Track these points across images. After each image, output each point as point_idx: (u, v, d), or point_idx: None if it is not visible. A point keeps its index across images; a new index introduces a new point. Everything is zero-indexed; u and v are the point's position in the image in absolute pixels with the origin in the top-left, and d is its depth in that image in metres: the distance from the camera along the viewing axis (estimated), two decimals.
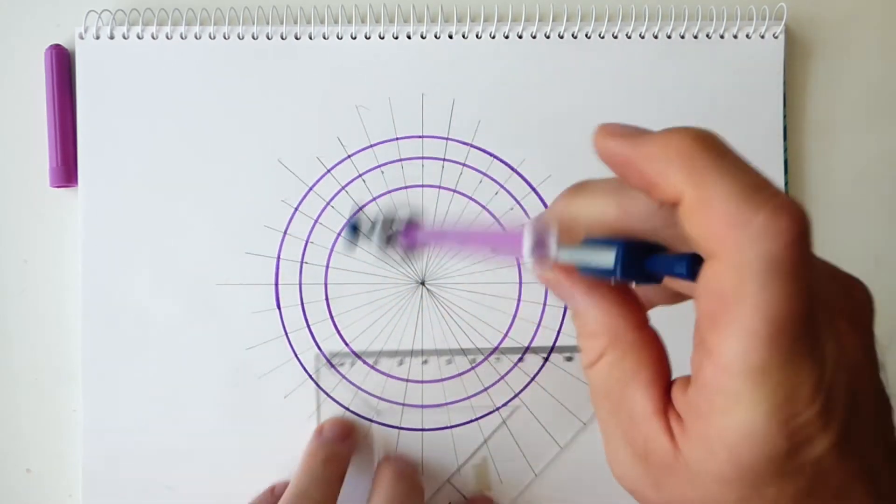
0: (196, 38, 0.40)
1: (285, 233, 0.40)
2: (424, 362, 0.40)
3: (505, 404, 0.40)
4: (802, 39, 0.43)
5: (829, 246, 0.42)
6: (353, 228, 0.30)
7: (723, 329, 0.21)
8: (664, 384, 0.24)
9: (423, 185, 0.41)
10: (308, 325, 0.40)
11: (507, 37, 0.41)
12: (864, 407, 0.23)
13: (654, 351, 0.25)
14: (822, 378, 0.21)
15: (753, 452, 0.21)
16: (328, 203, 0.40)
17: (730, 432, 0.21)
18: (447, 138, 0.41)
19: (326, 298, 0.40)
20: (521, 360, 0.40)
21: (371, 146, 0.40)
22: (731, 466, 0.22)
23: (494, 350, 0.40)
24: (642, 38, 0.42)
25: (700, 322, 0.22)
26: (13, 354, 0.40)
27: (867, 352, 0.23)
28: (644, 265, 0.23)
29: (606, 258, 0.23)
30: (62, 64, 0.40)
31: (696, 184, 0.22)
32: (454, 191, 0.41)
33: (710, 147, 0.24)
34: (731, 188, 0.22)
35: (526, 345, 0.40)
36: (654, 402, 0.24)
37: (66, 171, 0.39)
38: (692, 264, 0.21)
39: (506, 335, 0.40)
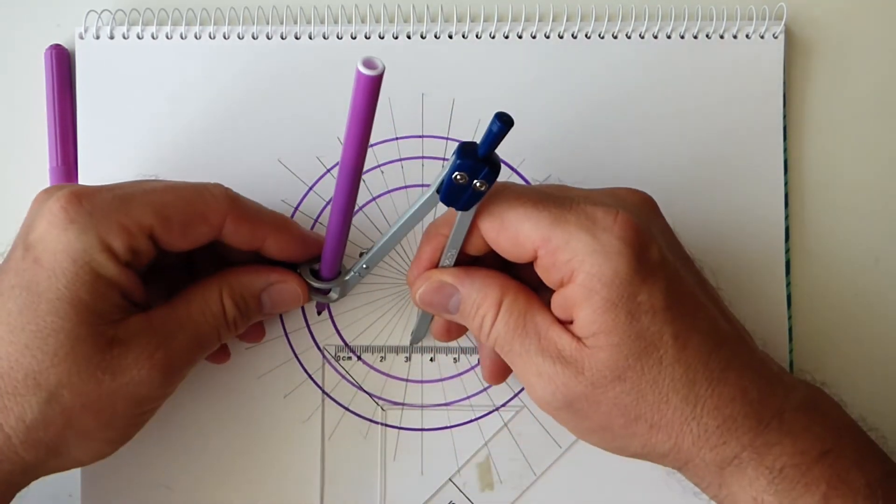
0: (196, 38, 0.40)
1: None
2: (431, 359, 0.40)
3: (505, 404, 0.40)
4: (802, 39, 0.43)
5: (830, 246, 0.42)
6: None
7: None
8: (547, 308, 0.32)
9: (422, 186, 0.41)
10: (308, 325, 0.40)
11: (506, 37, 0.41)
12: (670, 240, 0.33)
13: (530, 288, 0.33)
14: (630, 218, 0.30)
15: (613, 267, 0.29)
16: (328, 203, 0.40)
17: (592, 272, 0.30)
18: (447, 138, 0.41)
19: None
20: None
21: (371, 146, 0.40)
22: (607, 290, 0.29)
23: None
24: (642, 38, 0.42)
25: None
26: None
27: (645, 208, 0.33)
28: (477, 153, 0.29)
29: (445, 171, 0.29)
30: (62, 64, 0.40)
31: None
32: None
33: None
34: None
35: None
36: (550, 316, 0.32)
37: (66, 171, 0.39)
38: (501, 116, 0.27)
39: None
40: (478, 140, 0.29)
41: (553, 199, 0.31)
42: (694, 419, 0.30)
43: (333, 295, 0.37)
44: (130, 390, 0.31)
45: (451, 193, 0.30)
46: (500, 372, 0.37)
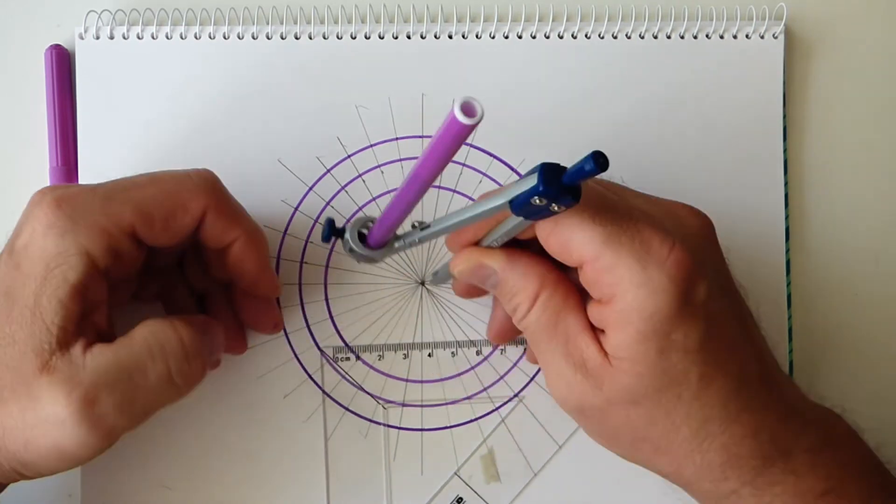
0: (196, 38, 0.40)
1: (285, 233, 0.40)
2: (429, 355, 0.40)
3: (504, 404, 0.40)
4: (802, 39, 0.43)
5: (830, 246, 0.42)
6: (330, 224, 0.34)
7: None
8: (583, 309, 0.31)
9: None
10: (308, 325, 0.40)
11: (507, 37, 0.41)
12: (721, 270, 0.32)
13: (572, 283, 0.31)
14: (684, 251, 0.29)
15: (655, 304, 0.28)
16: (328, 203, 0.40)
17: (634, 305, 0.29)
18: None
19: (326, 298, 0.40)
20: (520, 359, 0.40)
21: (371, 146, 0.40)
22: (644, 324, 0.29)
23: (494, 350, 0.40)
24: (642, 38, 0.42)
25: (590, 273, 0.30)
26: None
27: (706, 235, 0.32)
28: (562, 181, 0.26)
29: (531, 182, 0.26)
30: (62, 64, 0.40)
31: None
32: (454, 191, 0.41)
33: None
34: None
35: (526, 344, 0.40)
36: (583, 321, 0.31)
37: (66, 171, 0.39)
38: (597, 157, 0.25)
39: None
40: (561, 161, 0.27)
41: (612, 213, 0.29)
42: (699, 453, 0.30)
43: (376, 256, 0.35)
44: (49, 430, 0.28)
45: (524, 209, 0.28)
46: (504, 337, 0.37)
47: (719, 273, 0.32)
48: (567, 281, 0.32)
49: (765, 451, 0.30)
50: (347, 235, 0.34)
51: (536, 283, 0.31)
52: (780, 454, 0.31)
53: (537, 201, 0.27)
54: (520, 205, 0.27)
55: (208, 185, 0.33)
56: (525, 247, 0.32)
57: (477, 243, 0.33)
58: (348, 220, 0.40)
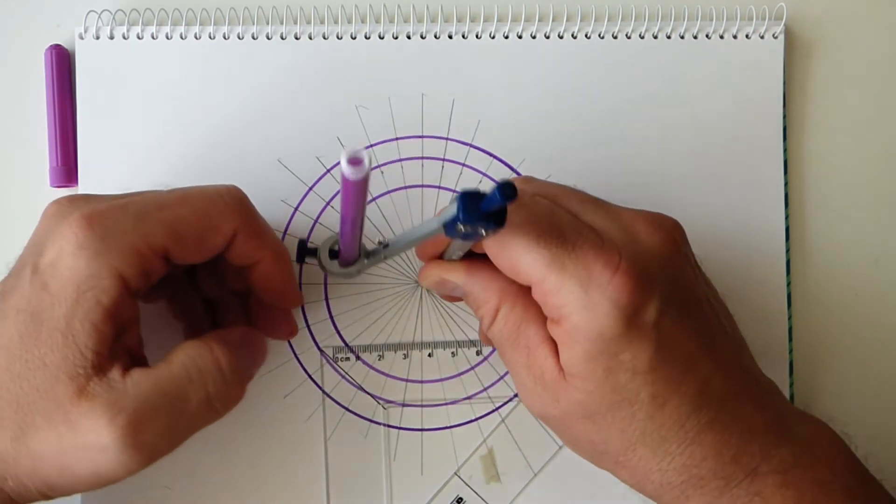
0: (196, 38, 0.40)
1: (285, 233, 0.40)
2: (429, 355, 0.40)
3: (504, 404, 0.40)
4: (802, 39, 0.43)
5: (830, 246, 0.42)
6: (301, 245, 0.35)
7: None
8: (544, 321, 0.31)
9: (422, 186, 0.41)
10: (308, 325, 0.40)
11: (506, 37, 0.41)
12: (685, 285, 0.32)
13: (531, 298, 0.31)
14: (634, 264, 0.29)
15: (599, 326, 0.29)
16: (328, 203, 0.40)
17: (579, 326, 0.29)
18: (447, 138, 0.41)
19: (326, 298, 0.40)
20: None
21: (371, 146, 0.40)
22: (590, 344, 0.29)
23: (494, 349, 0.40)
24: (642, 38, 0.42)
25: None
26: None
27: (672, 248, 0.31)
28: (480, 208, 0.27)
29: (452, 210, 0.27)
30: (62, 64, 0.40)
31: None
32: (454, 191, 0.41)
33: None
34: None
35: None
36: (541, 333, 0.31)
37: (66, 171, 0.39)
38: (503, 188, 0.25)
39: None
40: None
41: (557, 235, 0.29)
42: (658, 471, 0.30)
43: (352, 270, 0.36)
44: (88, 456, 0.28)
45: (455, 233, 0.28)
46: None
47: (678, 288, 0.31)
48: (527, 293, 0.31)
49: (727, 472, 0.30)
50: (319, 255, 0.35)
51: (496, 297, 0.32)
52: (745, 474, 0.30)
53: (461, 228, 0.27)
54: (451, 230, 0.28)
55: (239, 206, 0.32)
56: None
57: (442, 255, 0.34)
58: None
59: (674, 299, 0.30)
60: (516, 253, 0.30)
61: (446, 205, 0.33)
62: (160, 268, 0.31)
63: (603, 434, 0.31)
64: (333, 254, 0.35)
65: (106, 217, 0.29)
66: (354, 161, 0.25)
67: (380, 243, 0.34)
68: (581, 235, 0.29)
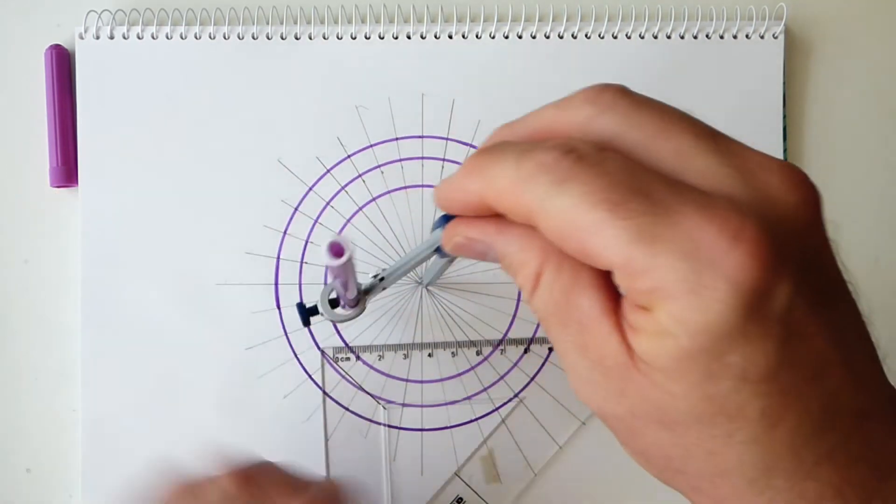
0: (196, 38, 0.40)
1: (285, 233, 0.40)
2: (429, 355, 0.40)
3: (504, 404, 0.40)
4: (802, 39, 0.43)
5: None
6: (301, 309, 0.35)
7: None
8: (608, 286, 0.23)
9: (422, 186, 0.41)
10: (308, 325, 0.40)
11: (507, 37, 0.41)
12: (824, 265, 0.24)
13: None
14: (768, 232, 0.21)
15: (707, 318, 0.20)
16: (328, 203, 0.40)
17: (678, 317, 0.21)
18: (447, 138, 0.41)
19: None
20: (520, 359, 0.40)
21: (371, 146, 0.40)
22: (689, 341, 0.21)
23: (494, 350, 0.40)
24: (642, 38, 0.42)
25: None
26: (13, 354, 0.40)
27: (811, 215, 0.24)
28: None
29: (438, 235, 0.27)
30: (62, 64, 0.40)
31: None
32: None
33: None
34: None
35: (526, 345, 0.40)
36: (601, 303, 0.23)
37: (66, 171, 0.39)
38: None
39: (506, 334, 0.40)
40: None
41: (643, 198, 0.21)
42: None
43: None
44: None
45: (448, 255, 0.29)
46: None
47: (818, 270, 0.23)
48: None
49: None
50: (321, 310, 0.35)
51: (537, 258, 0.24)
52: None
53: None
54: (441, 253, 0.29)
55: None
56: None
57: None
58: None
59: (809, 284, 0.22)
60: (584, 232, 0.21)
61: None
62: None
63: (681, 448, 0.23)
64: (333, 303, 0.35)
65: None
66: (336, 250, 0.26)
67: (375, 276, 0.34)
68: (680, 195, 0.21)
